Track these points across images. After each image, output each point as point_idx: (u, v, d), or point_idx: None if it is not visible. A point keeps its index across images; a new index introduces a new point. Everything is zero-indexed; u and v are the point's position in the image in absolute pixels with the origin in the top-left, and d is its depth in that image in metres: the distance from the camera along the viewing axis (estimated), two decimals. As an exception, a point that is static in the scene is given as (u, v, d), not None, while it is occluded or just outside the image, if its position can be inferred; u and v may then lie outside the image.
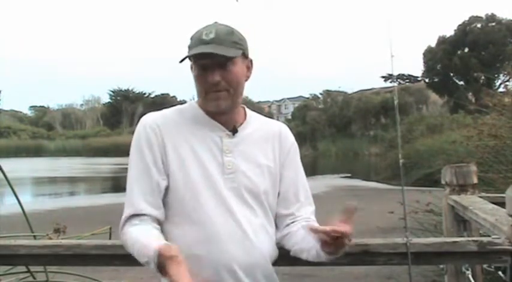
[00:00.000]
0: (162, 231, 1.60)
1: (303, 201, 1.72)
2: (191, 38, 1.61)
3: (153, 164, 1.58)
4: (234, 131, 1.64)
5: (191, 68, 1.65)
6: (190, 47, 1.59)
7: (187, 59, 1.59)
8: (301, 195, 1.72)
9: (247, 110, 1.72)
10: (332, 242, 1.45)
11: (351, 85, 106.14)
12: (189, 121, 1.64)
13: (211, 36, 1.56)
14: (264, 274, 1.61)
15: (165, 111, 1.68)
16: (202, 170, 1.59)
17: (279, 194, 1.70)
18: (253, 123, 1.70)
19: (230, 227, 1.57)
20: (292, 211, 1.70)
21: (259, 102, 60.39)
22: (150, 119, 1.64)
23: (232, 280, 1.55)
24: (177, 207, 1.58)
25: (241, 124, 1.67)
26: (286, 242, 1.69)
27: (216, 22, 1.63)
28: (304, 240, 1.61)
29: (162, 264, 1.39)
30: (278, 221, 1.71)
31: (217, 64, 1.56)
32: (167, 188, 1.60)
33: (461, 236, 2.58)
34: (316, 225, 1.52)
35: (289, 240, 1.68)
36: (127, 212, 1.58)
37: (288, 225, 1.69)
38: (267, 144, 1.69)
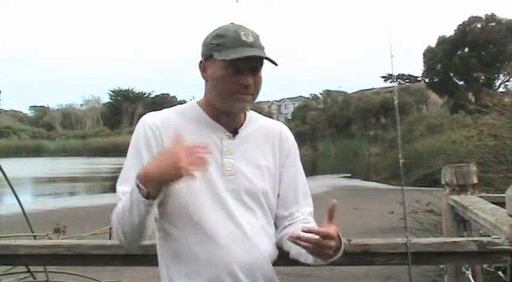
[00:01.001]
0: (163, 233, 1.61)
1: (301, 202, 1.72)
2: (221, 35, 1.56)
3: None
4: (234, 132, 1.64)
5: (200, 65, 1.61)
6: (225, 46, 1.53)
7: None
8: (300, 197, 1.72)
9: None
10: (316, 246, 1.43)
11: (351, 85, 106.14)
12: (190, 122, 1.63)
13: (251, 39, 1.54)
14: (264, 275, 1.61)
15: (165, 111, 1.66)
16: (201, 172, 1.58)
17: (278, 195, 1.70)
18: (254, 123, 1.69)
19: (230, 228, 1.57)
20: (290, 212, 1.70)
21: (259, 102, 60.28)
22: (150, 119, 1.62)
23: (232, 281, 1.55)
24: (177, 209, 1.58)
25: (241, 125, 1.66)
26: (284, 243, 1.68)
27: (232, 23, 1.60)
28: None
29: (143, 173, 1.42)
30: (277, 222, 1.71)
31: (250, 68, 1.55)
32: (167, 190, 1.59)
33: (461, 236, 2.59)
34: (297, 232, 1.47)
35: (286, 242, 1.67)
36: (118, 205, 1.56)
37: (285, 227, 1.69)
38: (267, 145, 1.69)
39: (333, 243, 1.45)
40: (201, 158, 1.43)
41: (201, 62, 1.62)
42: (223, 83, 1.56)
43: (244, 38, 1.53)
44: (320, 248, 1.44)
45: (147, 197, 1.42)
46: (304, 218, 1.69)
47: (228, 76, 1.54)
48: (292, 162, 1.73)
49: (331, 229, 1.45)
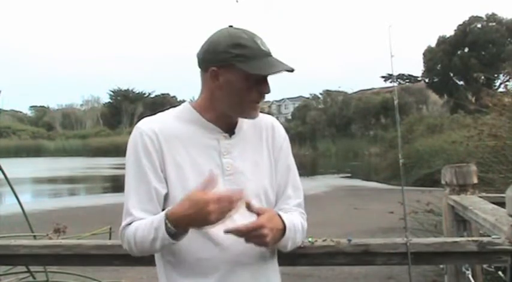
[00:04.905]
0: None
1: (291, 194, 1.72)
2: (239, 45, 1.54)
3: (151, 172, 1.56)
4: (230, 132, 1.64)
5: (210, 71, 1.56)
6: (248, 57, 1.53)
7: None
8: (289, 189, 1.72)
9: None
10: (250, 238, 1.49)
11: (351, 85, 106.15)
12: (186, 125, 1.62)
13: (267, 47, 1.58)
14: (267, 275, 1.62)
15: (160, 115, 1.65)
16: (199, 176, 1.55)
17: None
18: (247, 120, 1.68)
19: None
20: (277, 205, 1.69)
21: (259, 102, 60.26)
22: (147, 125, 1.60)
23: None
24: None
25: (236, 124, 1.66)
26: None
27: (231, 26, 1.61)
28: None
29: (173, 218, 1.44)
30: None
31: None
32: (166, 195, 1.58)
33: (461, 236, 2.59)
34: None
35: None
36: (126, 220, 1.56)
37: None
38: (261, 140, 1.70)
39: (265, 231, 1.48)
40: (230, 206, 1.44)
41: (212, 69, 1.57)
42: (244, 93, 1.56)
43: (263, 48, 1.56)
44: (254, 238, 1.49)
45: (174, 235, 1.46)
46: (288, 208, 1.69)
47: (250, 86, 1.56)
48: (284, 156, 1.73)
49: (261, 219, 1.50)
